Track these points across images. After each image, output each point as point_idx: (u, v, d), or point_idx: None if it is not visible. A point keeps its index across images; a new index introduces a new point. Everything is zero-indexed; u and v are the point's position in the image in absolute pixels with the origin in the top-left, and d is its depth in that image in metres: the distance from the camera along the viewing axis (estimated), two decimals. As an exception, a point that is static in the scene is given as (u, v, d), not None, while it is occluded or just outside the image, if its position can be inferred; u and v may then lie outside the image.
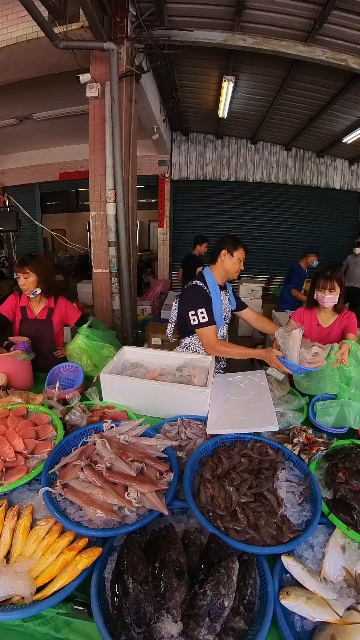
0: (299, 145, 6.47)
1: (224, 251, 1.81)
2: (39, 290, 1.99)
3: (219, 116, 5.11)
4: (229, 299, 1.97)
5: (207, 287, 1.79)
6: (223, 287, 1.92)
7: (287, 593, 0.78)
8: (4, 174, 7.51)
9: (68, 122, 5.39)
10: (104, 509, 0.93)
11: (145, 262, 8.82)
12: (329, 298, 1.83)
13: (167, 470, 1.08)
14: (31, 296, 2.00)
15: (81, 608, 0.77)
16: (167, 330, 2.08)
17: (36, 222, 5.03)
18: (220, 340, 1.76)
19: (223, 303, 1.90)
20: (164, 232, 7.10)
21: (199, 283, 1.80)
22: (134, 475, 1.03)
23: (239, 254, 1.78)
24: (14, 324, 2.07)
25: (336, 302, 1.86)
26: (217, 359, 1.96)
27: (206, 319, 1.71)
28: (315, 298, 1.90)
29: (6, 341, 1.87)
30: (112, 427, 1.30)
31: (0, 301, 2.11)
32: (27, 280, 1.93)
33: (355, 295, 5.05)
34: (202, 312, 1.70)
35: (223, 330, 1.98)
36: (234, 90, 4.30)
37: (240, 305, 2.06)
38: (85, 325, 1.99)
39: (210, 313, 1.73)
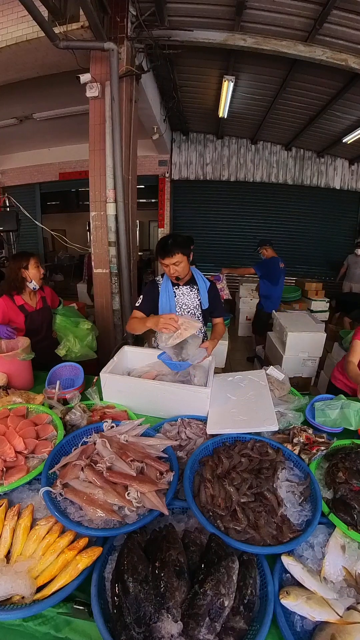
0: (299, 145, 6.46)
1: None
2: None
3: (219, 116, 5.10)
4: (199, 298, 1.91)
5: (160, 282, 1.93)
6: (188, 283, 1.91)
7: (287, 593, 0.78)
8: (4, 174, 7.50)
9: (68, 122, 5.38)
10: (104, 509, 0.93)
11: (146, 262, 8.80)
12: None
13: (167, 470, 1.09)
14: (37, 288, 2.12)
15: (81, 608, 0.77)
16: None
17: (36, 222, 5.02)
18: (132, 320, 1.91)
19: (182, 298, 1.90)
20: (164, 232, 7.10)
21: (156, 278, 1.98)
22: (134, 475, 1.03)
23: (160, 259, 1.79)
24: (13, 324, 2.08)
25: None
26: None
27: (138, 304, 1.94)
28: None
29: None
30: (112, 427, 1.30)
31: None
32: (41, 272, 2.11)
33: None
34: (140, 298, 1.95)
35: None
36: (234, 90, 4.30)
37: (212, 312, 1.98)
38: (59, 307, 2.32)
39: (145, 300, 1.93)
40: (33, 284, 2.08)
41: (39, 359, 1.84)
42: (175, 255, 1.72)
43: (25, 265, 2.04)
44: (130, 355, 1.86)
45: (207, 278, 1.98)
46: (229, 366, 3.89)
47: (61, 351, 2.20)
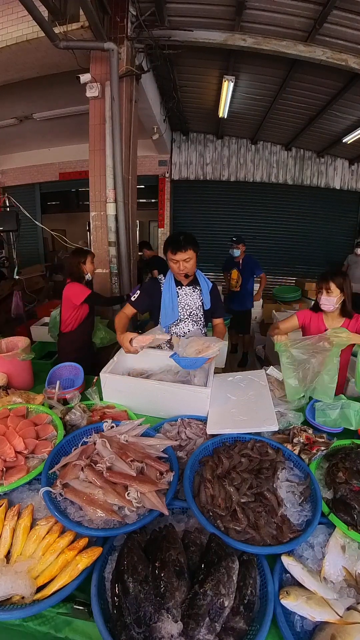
0: (299, 145, 6.46)
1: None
2: None
3: (219, 116, 5.10)
4: (201, 299, 1.91)
5: (163, 281, 1.91)
6: (191, 284, 1.90)
7: (287, 593, 0.78)
8: (4, 174, 7.50)
9: (68, 122, 5.38)
10: (104, 509, 0.93)
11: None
12: (326, 299, 1.74)
13: (167, 470, 1.09)
14: (91, 278, 2.56)
15: (81, 608, 0.78)
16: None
17: (36, 222, 5.01)
18: (120, 315, 1.90)
19: (185, 298, 1.89)
20: (164, 232, 7.10)
21: (158, 277, 1.96)
22: (134, 475, 1.03)
23: (170, 255, 1.78)
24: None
25: (335, 305, 1.75)
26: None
27: (132, 299, 1.93)
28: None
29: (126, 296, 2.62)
30: (112, 427, 1.30)
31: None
32: (94, 266, 2.58)
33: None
34: (137, 293, 1.93)
35: (188, 327, 1.91)
36: (234, 90, 4.29)
37: (213, 313, 1.98)
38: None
39: (142, 297, 1.91)
40: (88, 276, 2.49)
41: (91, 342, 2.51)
42: (188, 251, 1.73)
43: (84, 260, 2.42)
44: (130, 355, 1.85)
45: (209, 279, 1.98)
46: (229, 366, 3.88)
47: (97, 340, 2.61)
